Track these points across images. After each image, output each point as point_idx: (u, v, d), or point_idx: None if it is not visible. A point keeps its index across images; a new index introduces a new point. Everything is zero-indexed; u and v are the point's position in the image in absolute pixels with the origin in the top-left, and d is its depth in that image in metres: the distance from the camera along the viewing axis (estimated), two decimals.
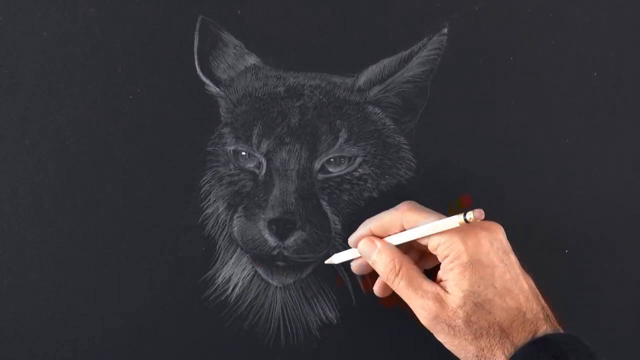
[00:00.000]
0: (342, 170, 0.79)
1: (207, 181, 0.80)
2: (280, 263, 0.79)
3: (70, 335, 0.80)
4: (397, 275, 0.73)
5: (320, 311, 0.80)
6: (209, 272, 0.80)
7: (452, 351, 0.72)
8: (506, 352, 0.70)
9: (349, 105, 0.79)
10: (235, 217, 0.79)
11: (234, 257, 0.80)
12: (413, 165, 0.80)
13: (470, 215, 0.69)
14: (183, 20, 0.79)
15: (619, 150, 0.81)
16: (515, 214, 0.80)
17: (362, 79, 0.79)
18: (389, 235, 0.75)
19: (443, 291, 0.71)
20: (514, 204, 0.77)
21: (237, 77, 0.79)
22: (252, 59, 0.79)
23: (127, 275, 0.80)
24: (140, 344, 0.81)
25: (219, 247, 0.80)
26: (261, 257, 0.79)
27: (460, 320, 0.70)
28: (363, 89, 0.79)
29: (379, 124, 0.79)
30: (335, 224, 0.79)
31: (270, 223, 0.77)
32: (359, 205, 0.79)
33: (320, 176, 0.79)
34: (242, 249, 0.80)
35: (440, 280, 0.72)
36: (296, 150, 0.78)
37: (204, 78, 0.79)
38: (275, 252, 0.78)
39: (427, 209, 0.74)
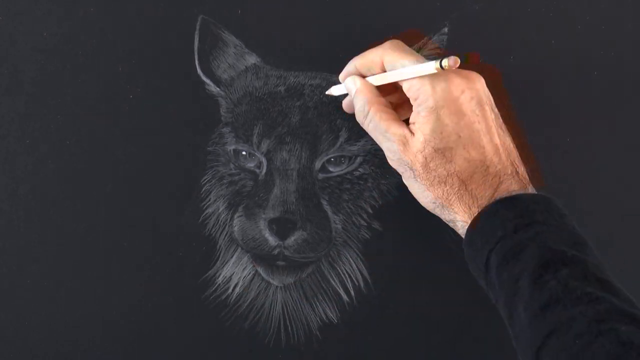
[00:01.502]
0: (342, 170, 0.79)
1: (208, 181, 0.80)
2: (280, 263, 0.79)
3: (70, 335, 0.80)
4: (365, 117, 0.73)
5: (321, 311, 0.80)
6: (209, 272, 0.80)
7: (415, 196, 0.72)
8: (464, 203, 0.69)
9: None
10: (235, 216, 0.79)
11: (234, 257, 0.80)
12: None
13: (445, 62, 0.66)
14: (183, 20, 0.79)
15: (619, 150, 0.81)
16: None
17: None
18: (373, 74, 0.74)
19: (409, 133, 0.70)
20: None
21: (238, 77, 0.80)
22: (252, 59, 0.79)
23: (127, 275, 0.80)
24: (140, 344, 0.81)
25: (220, 246, 0.80)
26: (262, 256, 0.79)
27: (419, 165, 0.70)
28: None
29: None
30: (336, 224, 0.79)
31: (271, 223, 0.77)
32: (360, 204, 0.79)
33: (321, 176, 0.79)
34: (242, 248, 0.80)
35: (412, 124, 0.71)
36: (296, 150, 0.78)
37: (204, 78, 0.79)
38: (275, 252, 0.78)
39: (409, 49, 0.72)
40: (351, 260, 0.80)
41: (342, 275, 0.80)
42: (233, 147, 0.79)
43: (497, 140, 0.70)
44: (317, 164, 0.78)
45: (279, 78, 0.79)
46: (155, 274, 0.80)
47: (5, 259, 0.80)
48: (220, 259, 0.80)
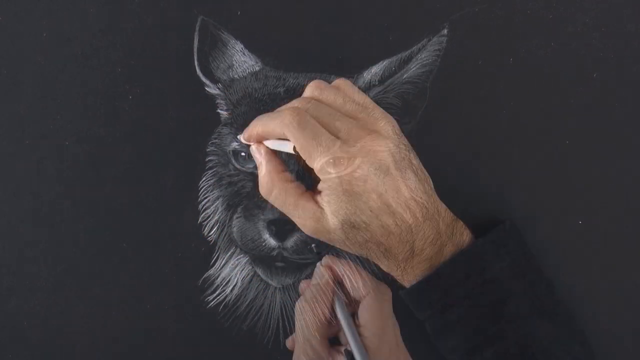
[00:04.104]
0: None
1: (207, 181, 0.80)
2: (279, 264, 0.79)
3: (70, 335, 0.81)
4: (270, 194, 0.72)
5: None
6: (209, 273, 0.81)
7: None
8: (387, 261, 0.72)
9: None
10: (234, 217, 0.79)
11: (233, 258, 0.80)
12: None
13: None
14: (183, 21, 0.79)
15: (619, 150, 0.81)
16: (516, 214, 0.80)
17: (362, 80, 0.79)
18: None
19: (320, 211, 0.70)
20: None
21: (237, 78, 0.80)
22: (251, 60, 0.79)
23: (127, 276, 0.80)
24: (140, 344, 0.81)
25: (219, 247, 0.80)
26: (260, 257, 0.79)
27: (338, 237, 0.71)
28: (363, 90, 0.79)
29: None
30: None
31: (270, 224, 0.78)
32: None
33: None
34: (241, 249, 0.80)
35: (319, 193, 0.71)
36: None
37: (203, 78, 0.79)
38: (274, 253, 0.79)
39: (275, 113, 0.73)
40: (349, 262, 0.80)
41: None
42: (232, 148, 0.79)
43: (407, 194, 0.70)
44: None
45: (278, 79, 0.79)
46: (154, 274, 0.80)
47: (5, 259, 0.80)
48: (219, 259, 0.80)
